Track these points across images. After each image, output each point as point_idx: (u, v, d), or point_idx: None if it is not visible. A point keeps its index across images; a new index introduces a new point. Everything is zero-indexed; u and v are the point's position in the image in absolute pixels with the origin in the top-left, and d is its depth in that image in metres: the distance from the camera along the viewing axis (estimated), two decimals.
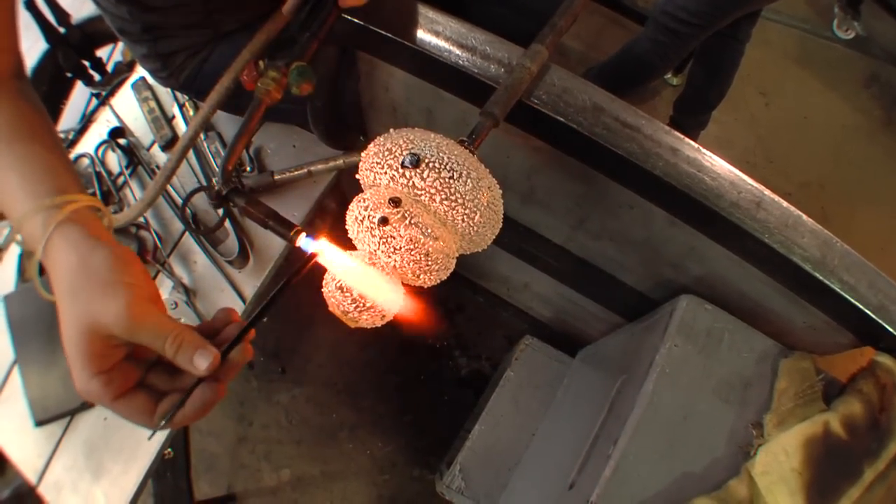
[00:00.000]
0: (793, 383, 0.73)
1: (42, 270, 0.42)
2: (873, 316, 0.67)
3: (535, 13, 0.88)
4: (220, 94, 0.66)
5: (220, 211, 0.90)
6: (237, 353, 0.40)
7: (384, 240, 0.46)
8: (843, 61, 2.05)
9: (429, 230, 0.46)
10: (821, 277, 0.67)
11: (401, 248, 0.46)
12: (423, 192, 0.47)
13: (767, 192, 0.67)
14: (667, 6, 1.41)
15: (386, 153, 0.48)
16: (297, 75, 0.61)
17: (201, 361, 0.37)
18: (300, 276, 0.43)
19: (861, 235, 1.71)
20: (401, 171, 0.47)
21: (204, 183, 0.96)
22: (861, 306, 0.67)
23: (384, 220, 0.45)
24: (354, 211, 0.48)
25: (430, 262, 0.47)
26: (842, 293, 0.67)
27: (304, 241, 0.47)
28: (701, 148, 0.66)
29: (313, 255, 0.44)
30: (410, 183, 0.47)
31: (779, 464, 0.68)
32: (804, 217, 0.67)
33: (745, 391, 0.72)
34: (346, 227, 0.49)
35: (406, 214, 0.46)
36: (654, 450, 0.68)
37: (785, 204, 0.67)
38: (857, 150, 1.90)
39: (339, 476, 1.46)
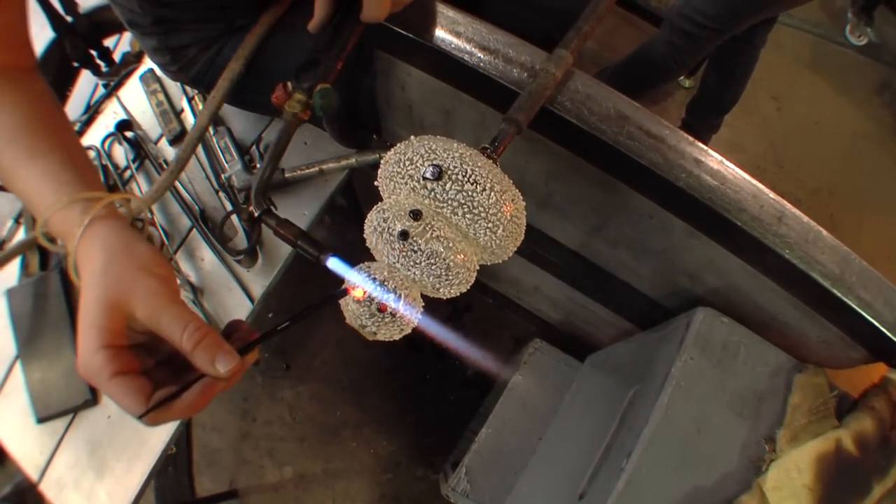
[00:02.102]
0: (806, 399, 0.72)
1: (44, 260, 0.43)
2: (888, 333, 0.66)
3: (553, 12, 0.86)
4: (230, 81, 0.65)
5: (245, 229, 0.91)
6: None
7: (404, 253, 0.45)
8: (856, 67, 2.03)
9: (450, 244, 0.45)
10: (838, 294, 0.66)
11: (421, 262, 0.45)
12: (444, 204, 0.45)
13: (789, 206, 0.66)
14: (683, 8, 1.39)
15: (406, 163, 0.47)
16: (320, 98, 0.61)
17: (223, 365, 0.37)
18: (333, 301, 0.44)
19: (869, 243, 1.71)
20: (422, 182, 0.45)
21: (212, 176, 0.95)
22: (876, 323, 0.66)
23: (405, 234, 0.44)
24: (373, 221, 0.47)
25: (450, 276, 0.46)
26: (858, 310, 0.66)
27: (333, 264, 0.46)
28: (724, 160, 0.65)
29: (347, 290, 0.44)
30: (432, 195, 0.45)
31: (790, 480, 0.68)
32: (824, 233, 0.66)
33: (759, 405, 0.71)
34: (364, 235, 0.48)
35: (427, 228, 0.44)
36: (667, 463, 0.67)
37: (805, 219, 0.66)
38: (868, 158, 1.90)
39: (342, 474, 1.45)
